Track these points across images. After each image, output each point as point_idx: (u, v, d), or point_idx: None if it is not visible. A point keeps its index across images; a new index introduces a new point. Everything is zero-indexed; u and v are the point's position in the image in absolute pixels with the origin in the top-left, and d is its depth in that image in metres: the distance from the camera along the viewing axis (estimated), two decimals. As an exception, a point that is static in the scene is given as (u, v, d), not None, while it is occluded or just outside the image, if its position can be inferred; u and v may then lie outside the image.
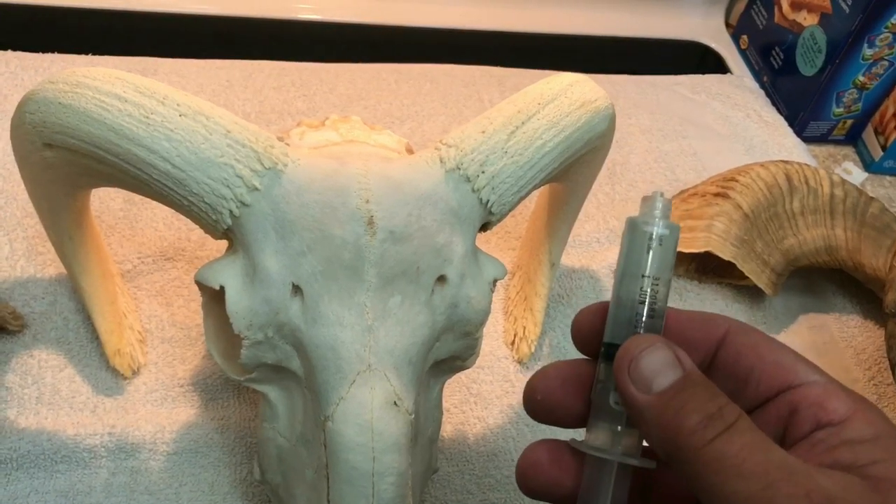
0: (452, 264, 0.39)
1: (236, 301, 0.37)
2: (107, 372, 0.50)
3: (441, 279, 0.39)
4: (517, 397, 0.54)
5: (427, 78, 0.78)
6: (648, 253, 0.29)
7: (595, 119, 0.43)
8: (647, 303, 0.29)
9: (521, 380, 0.55)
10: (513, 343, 0.57)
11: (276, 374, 0.40)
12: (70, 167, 0.40)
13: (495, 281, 0.41)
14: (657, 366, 0.27)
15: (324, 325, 0.37)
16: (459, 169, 0.39)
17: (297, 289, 0.37)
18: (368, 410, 0.36)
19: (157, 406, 0.49)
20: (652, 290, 0.29)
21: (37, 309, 0.52)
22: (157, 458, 0.47)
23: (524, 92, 0.42)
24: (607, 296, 0.58)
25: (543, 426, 0.52)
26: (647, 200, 0.30)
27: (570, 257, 0.64)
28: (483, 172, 0.39)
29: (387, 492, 0.36)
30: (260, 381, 0.40)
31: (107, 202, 0.59)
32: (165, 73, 0.70)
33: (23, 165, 0.42)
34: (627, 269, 0.30)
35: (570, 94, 0.42)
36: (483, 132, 0.39)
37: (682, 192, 0.67)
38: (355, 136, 0.44)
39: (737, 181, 0.62)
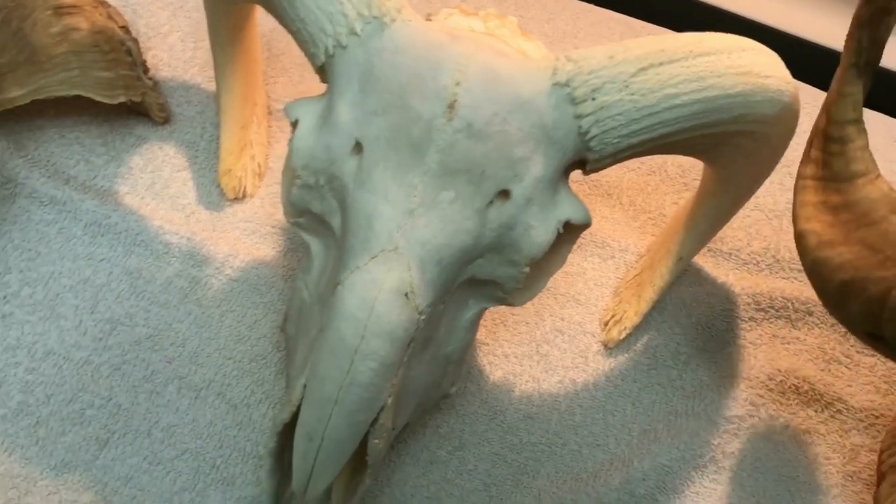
0: (522, 182, 0.35)
1: (301, 138, 0.37)
2: (217, 188, 0.52)
3: (504, 193, 0.35)
4: (584, 375, 0.50)
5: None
6: None
7: (756, 95, 0.37)
8: None
9: (597, 361, 0.51)
10: (607, 323, 0.52)
11: (320, 227, 0.39)
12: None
13: (568, 223, 0.37)
14: None
15: (369, 192, 0.35)
16: (568, 86, 0.35)
17: (359, 146, 0.36)
18: (376, 289, 0.34)
19: (243, 234, 0.51)
20: None
21: (187, 111, 0.55)
22: (219, 277, 0.48)
23: (683, 34, 0.37)
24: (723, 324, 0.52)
25: (594, 413, 0.48)
26: None
27: (718, 267, 0.56)
28: (593, 99, 0.35)
29: (363, 374, 0.34)
30: (306, 229, 0.40)
31: (294, 47, 0.61)
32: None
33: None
34: None
35: (737, 57, 0.36)
36: (611, 57, 0.35)
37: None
38: (500, 33, 0.41)
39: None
